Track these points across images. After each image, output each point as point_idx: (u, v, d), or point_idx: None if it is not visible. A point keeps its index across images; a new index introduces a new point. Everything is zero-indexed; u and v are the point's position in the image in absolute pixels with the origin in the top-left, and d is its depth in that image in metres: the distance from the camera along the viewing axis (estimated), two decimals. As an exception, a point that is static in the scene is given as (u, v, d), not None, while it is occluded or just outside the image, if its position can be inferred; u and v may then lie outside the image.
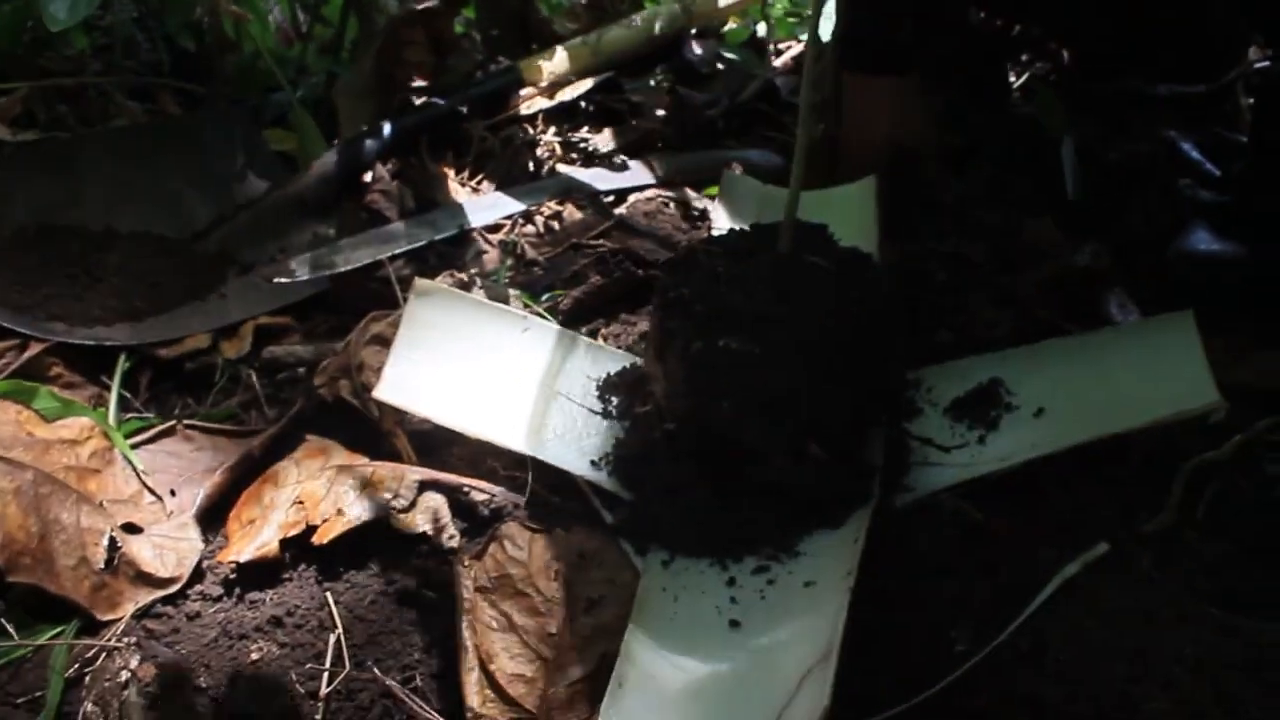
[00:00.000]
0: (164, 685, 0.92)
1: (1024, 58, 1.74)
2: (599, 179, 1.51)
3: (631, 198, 1.50)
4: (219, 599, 1.03)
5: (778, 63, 1.74)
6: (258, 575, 1.04)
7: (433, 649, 0.97)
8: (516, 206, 1.44)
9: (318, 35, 1.75)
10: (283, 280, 1.33)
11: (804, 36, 1.76)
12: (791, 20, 1.81)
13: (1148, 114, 1.50)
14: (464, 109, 1.57)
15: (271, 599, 1.02)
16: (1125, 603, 0.91)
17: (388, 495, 1.04)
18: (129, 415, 1.24)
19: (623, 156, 1.56)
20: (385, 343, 1.18)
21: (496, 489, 1.06)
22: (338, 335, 1.31)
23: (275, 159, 1.56)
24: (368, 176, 1.50)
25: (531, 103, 1.60)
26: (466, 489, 1.05)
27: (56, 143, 1.45)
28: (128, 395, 1.26)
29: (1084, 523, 0.98)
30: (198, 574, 1.05)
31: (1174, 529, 0.97)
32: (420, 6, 1.54)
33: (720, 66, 1.71)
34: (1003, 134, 1.50)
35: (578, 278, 1.30)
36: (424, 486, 1.05)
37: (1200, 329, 1.02)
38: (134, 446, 1.17)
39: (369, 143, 1.52)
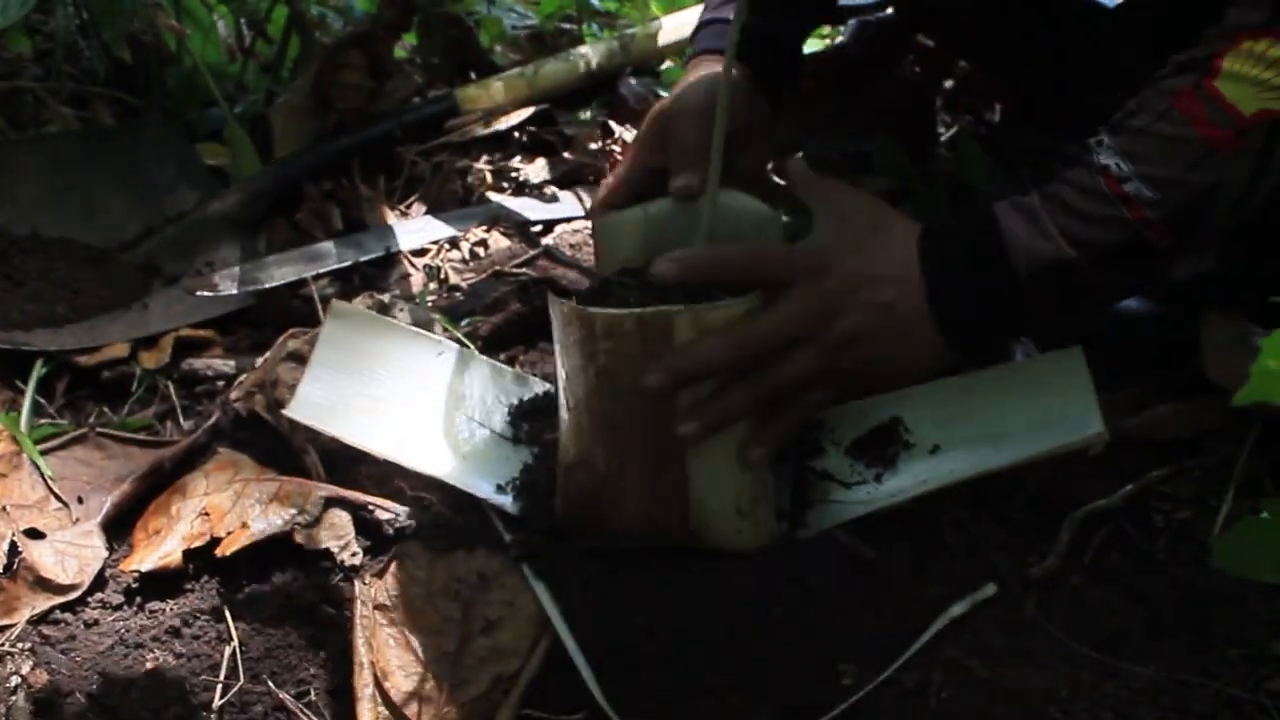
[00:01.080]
0: (53, 692, 0.92)
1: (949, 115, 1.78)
2: (528, 209, 1.54)
3: (559, 229, 1.52)
4: (119, 607, 1.03)
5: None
6: (159, 585, 1.04)
7: (329, 665, 0.97)
8: (444, 231, 1.46)
9: (260, 52, 1.76)
10: (207, 294, 1.33)
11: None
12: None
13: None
14: (398, 133, 1.58)
15: (171, 609, 1.02)
16: (1008, 643, 0.93)
17: (293, 511, 1.05)
18: (42, 421, 1.24)
19: (553, 188, 1.59)
20: (301, 360, 1.19)
21: (401, 509, 1.07)
22: (258, 350, 1.32)
23: (207, 174, 1.57)
24: (299, 195, 1.51)
25: (466, 130, 1.62)
26: (371, 507, 1.06)
27: (-16, 147, 1.46)
28: (42, 401, 1.26)
29: (975, 564, 1.00)
30: (100, 582, 1.05)
31: (1060, 574, 0.99)
32: (360, 31, 1.56)
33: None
34: (929, 182, 1.53)
35: (499, 304, 1.32)
36: (330, 503, 1.06)
37: (1106, 380, 1.06)
38: (45, 452, 1.17)
39: (302, 162, 1.53)
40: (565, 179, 1.61)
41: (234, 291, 1.35)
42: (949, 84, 1.81)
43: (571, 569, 1.01)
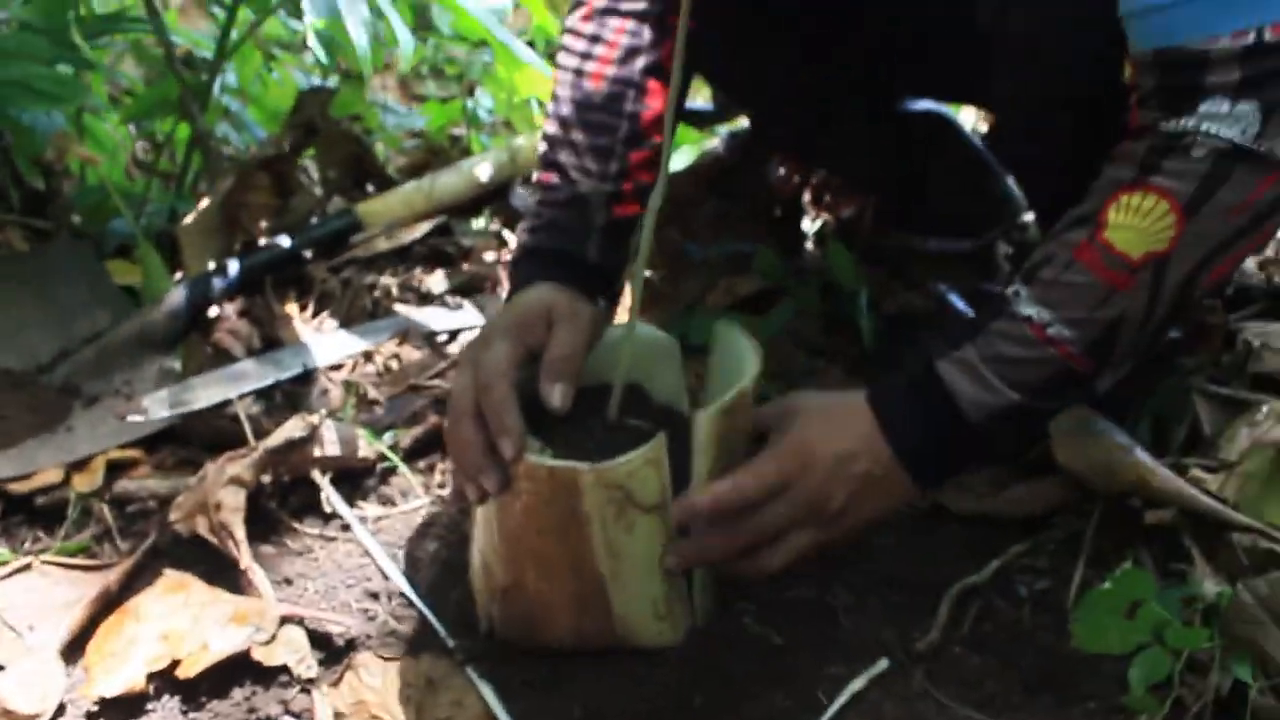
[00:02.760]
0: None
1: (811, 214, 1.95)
2: (433, 319, 1.64)
3: (463, 336, 1.63)
4: (83, 733, 1.09)
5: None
6: (122, 709, 1.10)
7: (294, 774, 1.06)
8: (358, 346, 1.55)
9: (162, 168, 1.82)
10: (138, 418, 1.40)
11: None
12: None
13: (922, 267, 1.73)
14: (306, 251, 1.67)
15: (137, 732, 1.09)
16: (903, 712, 1.07)
17: (251, 629, 1.13)
18: (-24, 552, 1.28)
19: (455, 297, 1.70)
20: (242, 484, 1.27)
21: (350, 621, 1.15)
22: (188, 469, 1.39)
23: (118, 292, 1.62)
24: (213, 313, 1.58)
25: (370, 245, 1.72)
26: (322, 622, 1.14)
27: (-99, 277, 1.49)
28: (-24, 531, 1.30)
29: (868, 642, 1.14)
30: (60, 709, 1.11)
31: (942, 646, 1.14)
32: (267, 154, 1.64)
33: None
34: (803, 280, 1.69)
35: (417, 417, 1.42)
36: (284, 620, 1.14)
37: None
38: (-8, 584, 1.22)
39: (215, 280, 1.60)
40: (464, 288, 1.71)
41: (165, 414, 1.41)
42: (813, 181, 1.98)
43: (513, 670, 1.11)
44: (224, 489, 1.26)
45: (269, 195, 1.67)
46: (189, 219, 1.65)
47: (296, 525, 1.31)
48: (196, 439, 1.44)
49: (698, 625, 1.12)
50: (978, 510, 1.30)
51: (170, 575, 1.23)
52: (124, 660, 1.13)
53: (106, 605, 1.21)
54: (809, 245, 1.89)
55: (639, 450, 1.01)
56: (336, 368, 1.55)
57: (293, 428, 1.32)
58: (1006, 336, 1.05)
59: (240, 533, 1.23)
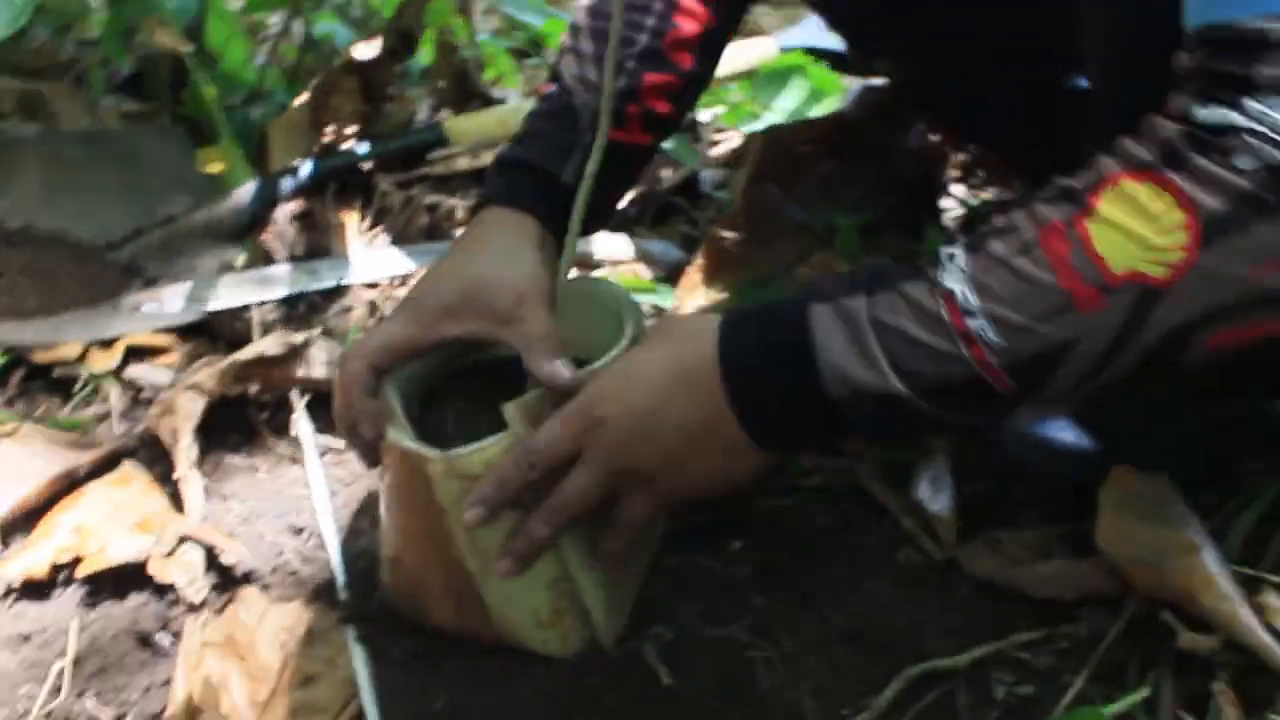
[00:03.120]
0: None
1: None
2: (495, 248, 1.57)
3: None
4: (-14, 604, 1.13)
5: (711, 153, 1.78)
6: (30, 592, 1.12)
7: (152, 692, 1.04)
8: (400, 267, 1.51)
9: (285, 56, 1.84)
10: (153, 308, 1.42)
11: (747, 129, 1.79)
12: (746, 110, 1.84)
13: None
14: (379, 160, 1.64)
15: (33, 615, 1.11)
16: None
17: (151, 540, 1.12)
18: (-13, 411, 1.35)
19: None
20: (203, 391, 1.26)
21: (256, 551, 1.13)
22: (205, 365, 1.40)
23: (202, 180, 1.65)
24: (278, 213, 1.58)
25: (449, 163, 1.67)
26: (221, 550, 1.12)
27: (-2, 138, 1.57)
28: (-11, 392, 1.37)
29: (779, 705, 0.98)
30: (-17, 578, 1.15)
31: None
32: (356, 59, 1.61)
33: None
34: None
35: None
36: (184, 539, 1.13)
37: (1009, 517, 1.06)
38: (-26, 442, 1.28)
39: (285, 180, 1.60)
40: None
41: (178, 310, 1.43)
42: (963, 156, 1.77)
43: (392, 641, 1.06)
44: (184, 393, 1.26)
45: (357, 100, 1.64)
46: (281, 115, 1.66)
47: (269, 443, 1.30)
48: (222, 337, 1.45)
49: (599, 640, 1.02)
50: (995, 577, 1.10)
51: (125, 468, 1.25)
52: (36, 546, 1.16)
53: (71, 485, 1.25)
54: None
55: (496, 437, 0.92)
56: (373, 286, 1.52)
57: (270, 343, 1.30)
58: (914, 307, 0.80)
59: (185, 440, 1.23)
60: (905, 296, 0.81)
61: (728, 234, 1.58)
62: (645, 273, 1.55)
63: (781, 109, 1.82)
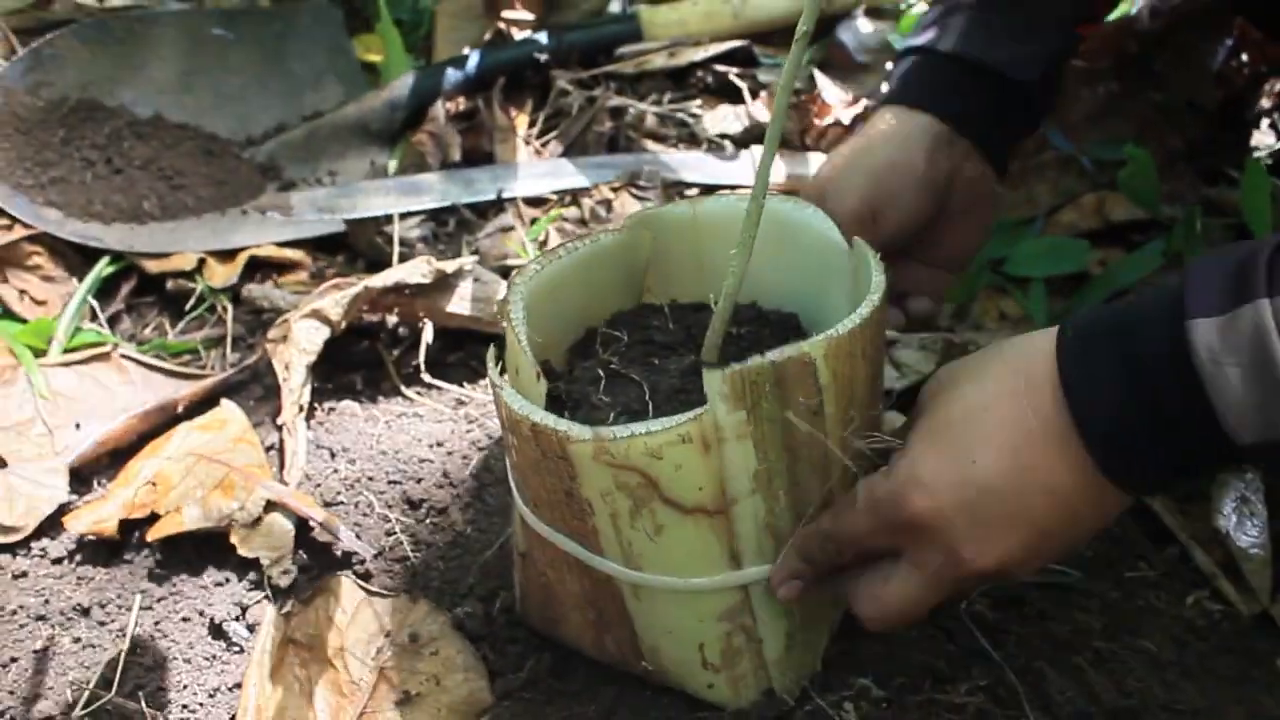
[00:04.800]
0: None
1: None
2: (690, 166, 1.30)
3: (720, 195, 1.28)
4: (57, 562, 0.94)
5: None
6: (99, 549, 0.94)
7: (218, 696, 0.84)
8: (571, 181, 1.26)
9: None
10: (278, 216, 1.20)
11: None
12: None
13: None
14: (559, 54, 1.37)
15: (97, 580, 0.92)
16: None
17: (235, 505, 0.91)
18: (90, 326, 1.16)
19: (730, 144, 1.34)
20: (324, 319, 1.04)
21: (347, 533, 0.90)
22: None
23: (357, 69, 1.43)
24: (438, 110, 1.34)
25: (642, 61, 1.39)
26: (316, 523, 0.90)
27: (131, 16, 1.37)
28: (95, 305, 1.17)
29: None
30: (52, 527, 0.96)
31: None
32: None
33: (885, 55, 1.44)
34: (1196, 221, 1.17)
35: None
36: (272, 506, 0.91)
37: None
38: (66, 365, 1.09)
39: (450, 73, 1.36)
40: (748, 135, 1.35)
41: (308, 218, 1.20)
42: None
43: (517, 660, 0.83)
44: (303, 320, 1.04)
45: (538, -19, 1.39)
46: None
47: (396, 388, 1.07)
48: (362, 251, 1.23)
49: (779, 691, 0.77)
50: None
51: (223, 408, 1.04)
52: (111, 497, 0.96)
53: (166, 420, 1.05)
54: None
55: (671, 419, 0.65)
56: (539, 202, 1.26)
57: (411, 269, 1.06)
58: None
59: (296, 377, 1.01)
60: None
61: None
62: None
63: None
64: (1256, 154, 1.36)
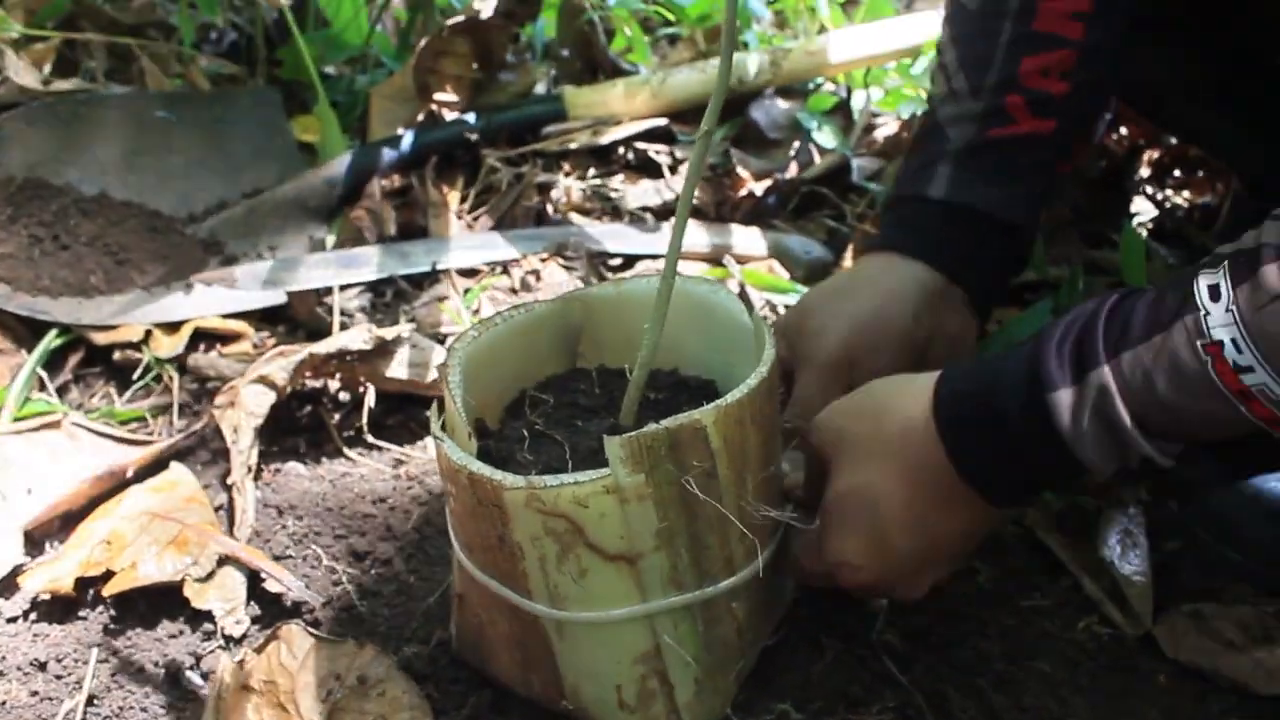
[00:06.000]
0: None
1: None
2: (614, 237, 1.38)
3: (641, 265, 1.36)
4: (12, 621, 0.98)
5: (863, 140, 1.55)
6: (55, 608, 0.98)
7: (175, 741, 0.88)
8: (501, 253, 1.33)
9: (396, 16, 1.67)
10: (223, 290, 1.26)
11: (906, 114, 1.56)
12: (907, 93, 1.61)
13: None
14: (488, 133, 1.45)
15: (53, 637, 0.96)
16: None
17: (188, 560, 0.96)
18: (38, 396, 1.20)
19: (652, 217, 1.43)
20: (270, 384, 1.10)
21: (296, 583, 0.95)
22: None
23: (294, 150, 1.50)
24: (372, 188, 1.41)
25: (566, 139, 1.47)
26: (266, 575, 0.95)
27: (77, 99, 1.42)
28: (44, 376, 1.22)
29: None
30: (8, 588, 0.99)
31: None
32: (470, 18, 1.43)
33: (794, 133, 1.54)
34: (1079, 280, 1.27)
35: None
36: (225, 560, 0.96)
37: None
38: (17, 434, 1.13)
39: (385, 151, 1.43)
40: (667, 208, 1.43)
41: (251, 291, 1.26)
42: (1155, 155, 1.52)
43: (463, 695, 0.88)
44: (250, 386, 1.09)
45: (466, 66, 1.46)
46: (384, 81, 1.49)
47: (338, 450, 1.12)
48: (303, 323, 1.29)
49: None
50: (1203, 663, 0.92)
51: (173, 470, 1.09)
52: (64, 557, 1.00)
53: (115, 486, 1.09)
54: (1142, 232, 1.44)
55: (591, 473, 0.72)
56: (472, 273, 1.33)
57: (353, 336, 1.13)
58: (1172, 366, 0.68)
59: (245, 440, 1.07)
60: (1159, 354, 0.69)
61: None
62: (780, 270, 1.34)
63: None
64: (1135, 218, 1.48)
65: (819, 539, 0.82)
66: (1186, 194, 1.53)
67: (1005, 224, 0.99)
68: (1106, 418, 0.71)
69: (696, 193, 1.39)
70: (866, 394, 0.84)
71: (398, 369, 1.14)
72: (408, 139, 1.44)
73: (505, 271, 1.32)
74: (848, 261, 1.37)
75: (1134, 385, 0.69)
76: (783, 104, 1.56)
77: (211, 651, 0.93)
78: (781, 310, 1.27)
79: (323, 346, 1.11)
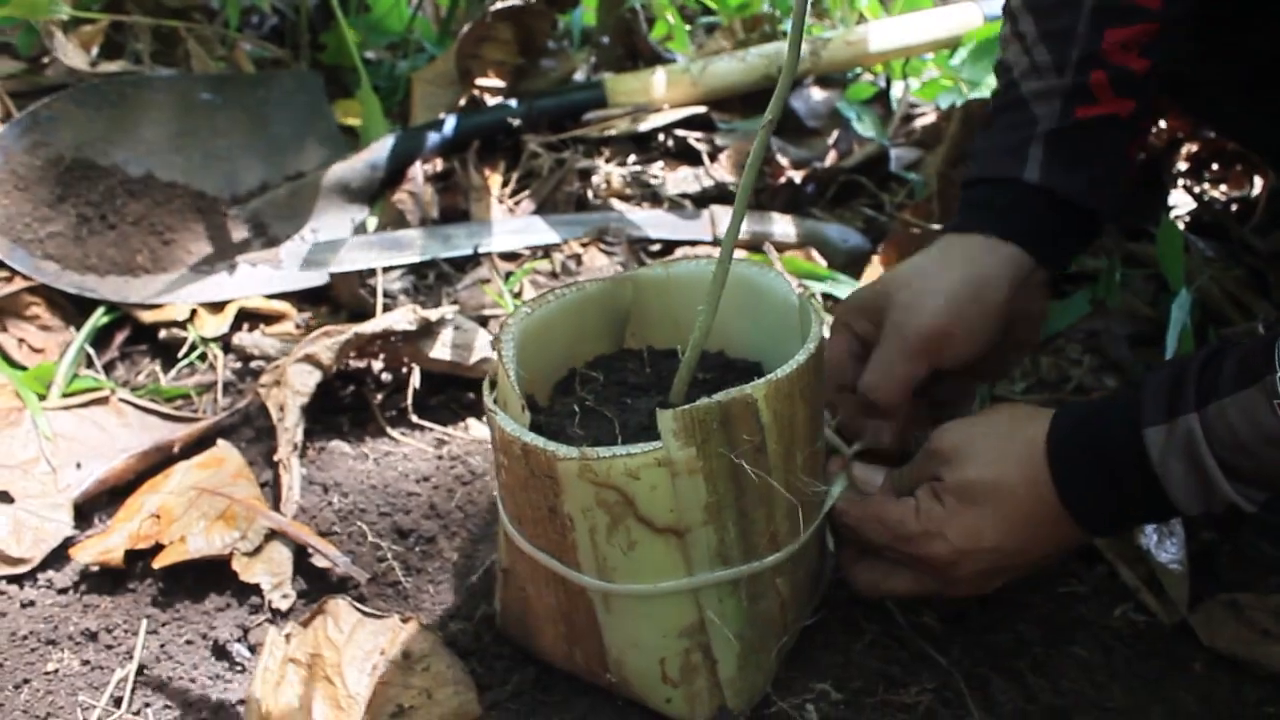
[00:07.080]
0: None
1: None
2: (652, 224, 1.39)
3: (680, 252, 1.37)
4: (62, 592, 0.99)
5: (903, 130, 1.55)
6: (105, 579, 1.00)
7: (223, 713, 0.89)
8: (543, 237, 1.34)
9: (440, 2, 1.68)
10: (267, 268, 1.27)
11: (945, 104, 1.57)
12: (946, 83, 1.61)
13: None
14: (529, 119, 1.46)
15: (104, 607, 0.97)
16: None
17: (236, 534, 0.97)
18: (86, 373, 1.22)
19: (690, 204, 1.43)
20: (317, 365, 1.11)
21: (342, 558, 0.97)
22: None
23: (337, 133, 1.51)
24: (414, 171, 1.42)
25: (606, 125, 1.48)
26: (313, 550, 0.96)
27: (124, 81, 1.44)
28: (91, 352, 1.24)
29: None
30: (57, 559, 1.01)
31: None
32: (512, 4, 1.43)
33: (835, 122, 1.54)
34: (1117, 272, 1.27)
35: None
36: (272, 535, 0.97)
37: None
38: (64, 409, 1.15)
39: (428, 136, 1.44)
40: (706, 195, 1.44)
41: (294, 272, 1.28)
42: (1193, 148, 1.51)
43: (503, 674, 0.90)
44: (296, 365, 1.11)
45: (508, 52, 1.47)
46: (426, 66, 1.49)
47: (382, 429, 1.14)
48: (346, 304, 1.30)
49: (729, 704, 0.84)
50: (1239, 652, 0.92)
51: (220, 447, 1.11)
52: (114, 530, 1.02)
53: (163, 460, 1.11)
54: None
55: (644, 445, 0.73)
56: (513, 257, 1.35)
57: (398, 317, 1.14)
58: (1250, 423, 0.74)
59: (291, 418, 1.08)
60: (1243, 409, 0.74)
61: (919, 222, 1.37)
62: (818, 258, 1.34)
63: (987, 83, 1.59)
64: (1173, 212, 1.48)
65: (914, 508, 0.84)
66: (1224, 188, 1.52)
67: (1089, 210, 0.98)
68: (1193, 460, 0.76)
69: (738, 179, 1.41)
70: (995, 410, 0.87)
71: (441, 350, 1.15)
72: (450, 123, 1.45)
73: (546, 256, 1.33)
74: (884, 249, 1.38)
75: (1218, 434, 0.74)
76: (822, 93, 1.56)
77: (259, 624, 0.95)
78: (819, 298, 1.28)
79: (368, 327, 1.12)
